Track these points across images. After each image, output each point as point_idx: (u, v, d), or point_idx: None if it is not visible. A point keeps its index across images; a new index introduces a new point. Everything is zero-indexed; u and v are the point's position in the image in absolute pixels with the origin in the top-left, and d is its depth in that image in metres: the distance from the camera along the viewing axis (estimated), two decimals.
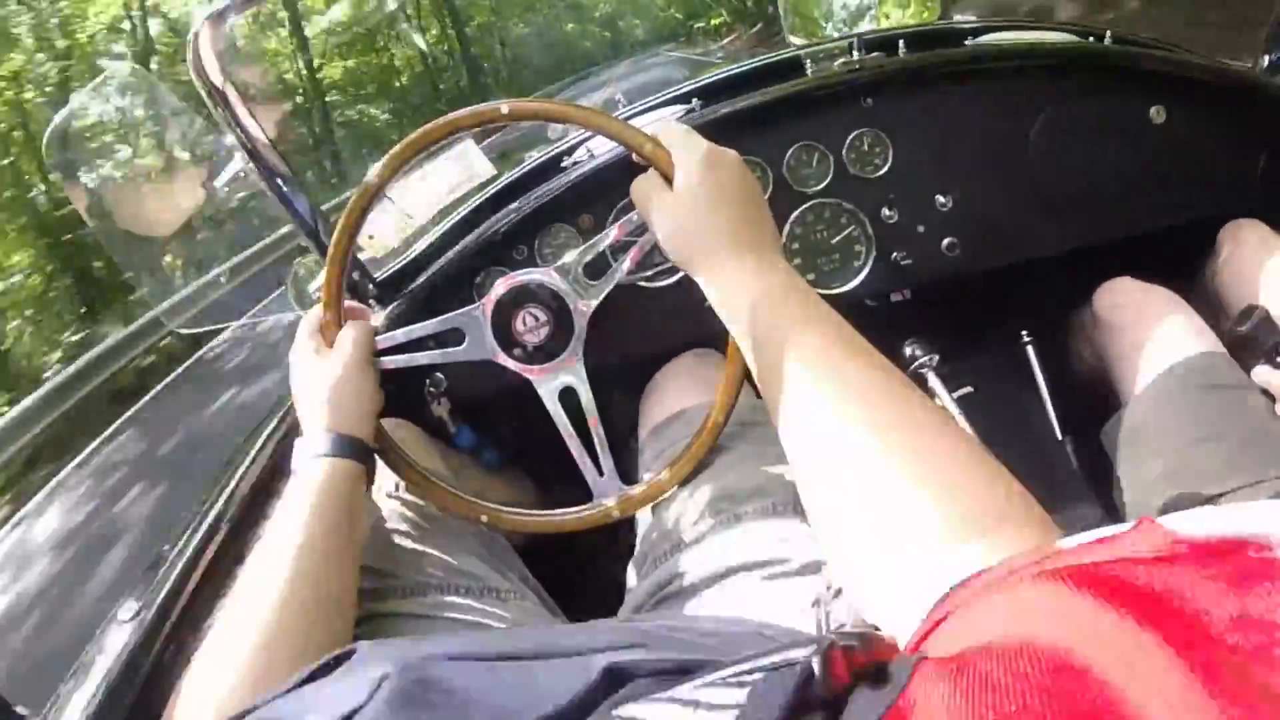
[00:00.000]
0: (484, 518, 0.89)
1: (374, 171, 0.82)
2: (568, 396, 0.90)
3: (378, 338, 0.88)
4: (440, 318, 0.90)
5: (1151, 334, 1.01)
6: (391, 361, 0.88)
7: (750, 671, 0.37)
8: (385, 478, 0.91)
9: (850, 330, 0.62)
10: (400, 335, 0.89)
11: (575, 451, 0.90)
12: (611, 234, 0.85)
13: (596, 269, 0.87)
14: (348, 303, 0.88)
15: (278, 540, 0.73)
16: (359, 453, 0.80)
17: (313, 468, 0.77)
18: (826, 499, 0.55)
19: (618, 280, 0.86)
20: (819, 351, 0.60)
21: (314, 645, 0.67)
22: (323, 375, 0.82)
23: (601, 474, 0.90)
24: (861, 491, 0.51)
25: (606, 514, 0.89)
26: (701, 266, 0.71)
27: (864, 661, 0.36)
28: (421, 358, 0.89)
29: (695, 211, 0.71)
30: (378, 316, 1.04)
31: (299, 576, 0.70)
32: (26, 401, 6.36)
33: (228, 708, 0.61)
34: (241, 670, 0.64)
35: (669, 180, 0.74)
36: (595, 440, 0.89)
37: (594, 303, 0.87)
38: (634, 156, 0.77)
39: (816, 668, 0.34)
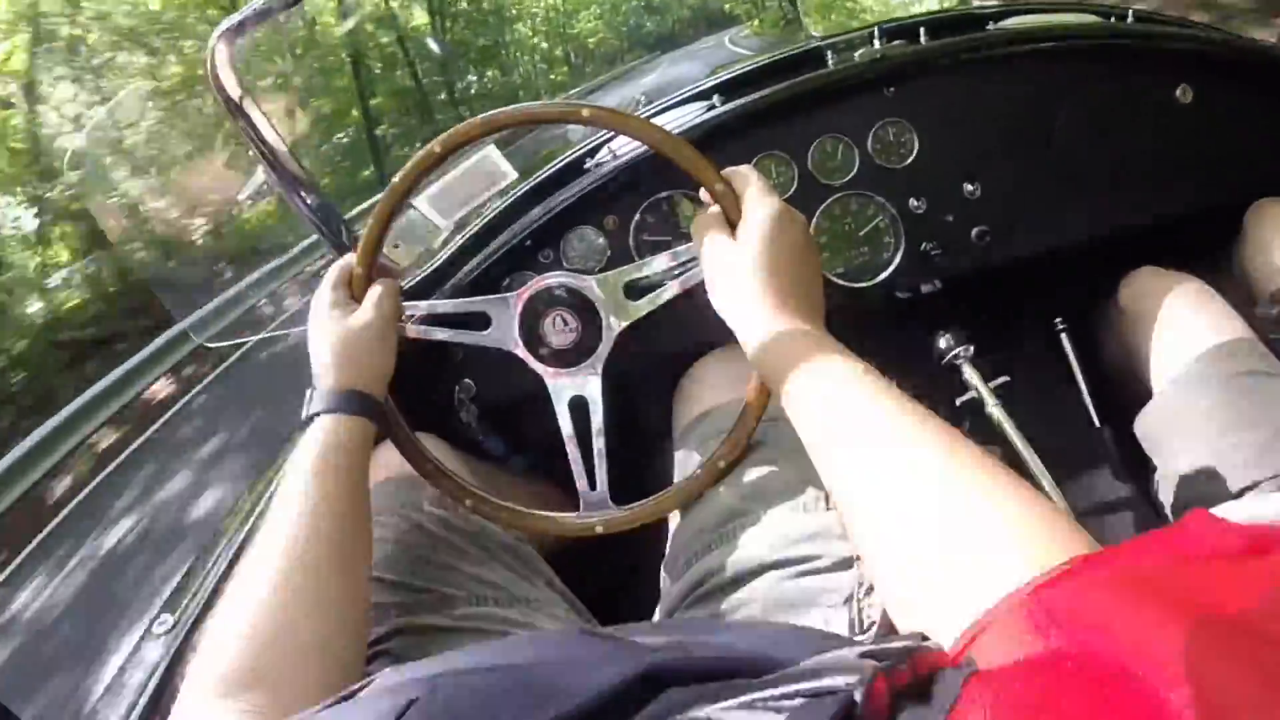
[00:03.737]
0: (468, 502, 0.89)
1: (439, 140, 0.82)
2: (580, 406, 0.89)
3: (404, 303, 0.88)
4: (470, 298, 0.90)
5: (1177, 323, 1.00)
6: (414, 330, 0.88)
7: (791, 695, 0.36)
8: (411, 494, 0.91)
9: (888, 382, 0.63)
10: (426, 306, 0.89)
11: (573, 460, 0.89)
12: (661, 261, 0.85)
13: (637, 289, 0.87)
14: (380, 260, 0.88)
15: (293, 496, 0.72)
16: (372, 411, 0.80)
17: (328, 423, 0.77)
18: (875, 530, 0.57)
19: (656, 306, 0.86)
20: (862, 403, 0.61)
21: (326, 601, 0.67)
22: (347, 327, 0.81)
23: (594, 488, 0.90)
24: (910, 523, 0.53)
25: (588, 528, 0.89)
26: (744, 319, 0.71)
27: (909, 680, 0.36)
28: (444, 333, 0.89)
29: (752, 265, 0.71)
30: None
31: (314, 531, 0.69)
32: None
33: (242, 668, 0.61)
34: (257, 625, 0.64)
35: (732, 225, 0.73)
36: (595, 453, 0.89)
37: (626, 323, 0.87)
38: (702, 192, 0.77)
39: (859, 699, 0.33)
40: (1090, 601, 0.32)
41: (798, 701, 0.35)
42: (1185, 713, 0.25)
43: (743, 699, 0.37)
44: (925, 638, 0.41)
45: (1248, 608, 0.27)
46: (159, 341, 7.29)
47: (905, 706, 0.34)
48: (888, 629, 0.68)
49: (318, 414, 0.78)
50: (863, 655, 0.37)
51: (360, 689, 0.51)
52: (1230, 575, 0.30)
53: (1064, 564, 0.39)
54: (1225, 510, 0.34)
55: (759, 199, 0.73)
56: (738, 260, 0.72)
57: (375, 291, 0.84)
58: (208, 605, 0.84)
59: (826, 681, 0.35)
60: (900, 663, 0.36)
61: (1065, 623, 0.32)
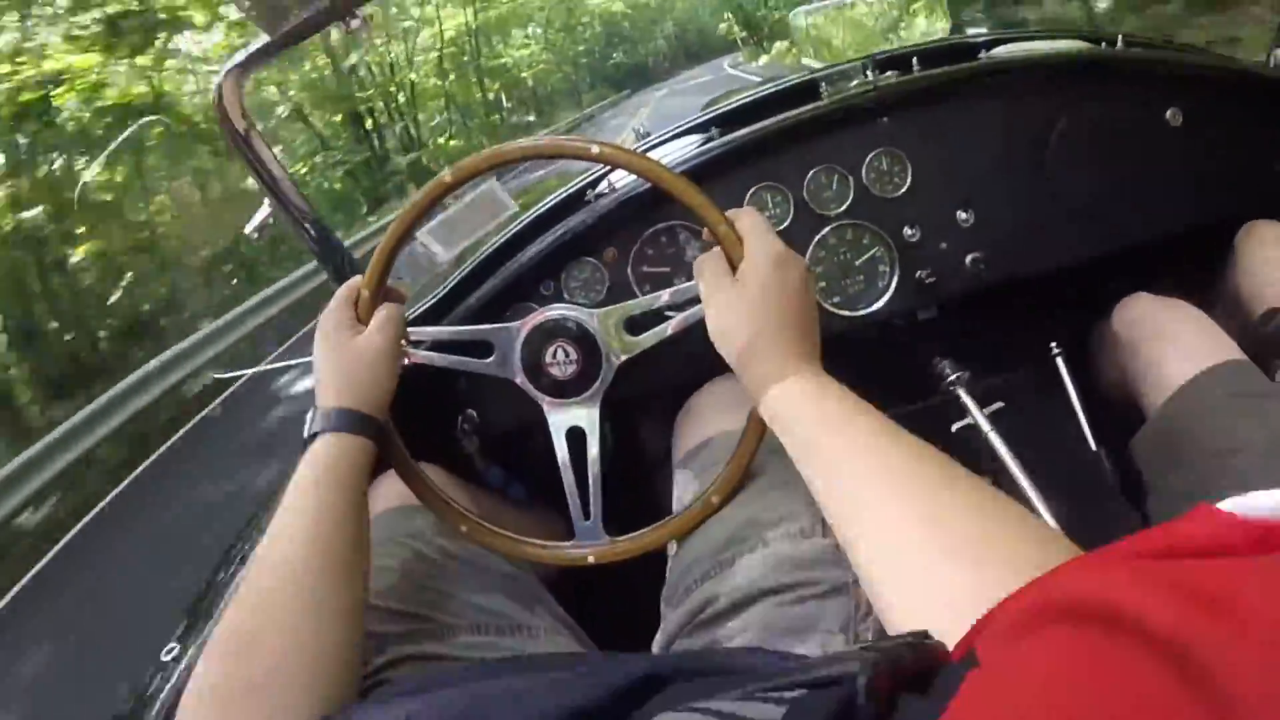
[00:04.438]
0: (464, 528, 0.89)
1: (448, 170, 0.83)
2: (577, 436, 0.90)
3: (409, 329, 0.89)
4: (474, 326, 0.91)
5: (1171, 348, 1.01)
6: (418, 354, 0.89)
7: (791, 686, 0.37)
8: (411, 523, 0.91)
9: (881, 416, 0.65)
10: (431, 332, 0.90)
11: (568, 489, 0.90)
12: (663, 298, 0.87)
13: (638, 324, 0.88)
14: (386, 285, 0.89)
15: (292, 511, 0.73)
16: (373, 431, 0.80)
17: (328, 442, 0.78)
18: (875, 557, 0.58)
19: (656, 343, 0.87)
20: (857, 437, 0.64)
21: (322, 613, 0.67)
22: (354, 348, 0.82)
23: (587, 518, 0.91)
24: (908, 548, 0.55)
25: (580, 558, 0.90)
26: (746, 361, 0.73)
27: (911, 671, 0.36)
28: (446, 360, 0.90)
29: (753, 307, 0.73)
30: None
31: (311, 545, 0.70)
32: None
33: (236, 678, 0.62)
34: (252, 635, 0.65)
35: (734, 265, 0.76)
36: (590, 483, 0.90)
37: (625, 358, 0.89)
38: (705, 232, 0.79)
39: (861, 688, 0.34)
40: (1090, 595, 0.32)
41: (798, 693, 0.36)
42: (1186, 707, 0.25)
43: (744, 690, 0.38)
44: (927, 635, 0.42)
45: (1254, 601, 0.27)
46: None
47: (905, 699, 0.35)
48: None
49: (319, 433, 0.79)
50: (864, 649, 0.37)
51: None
52: (1237, 569, 0.30)
53: (1064, 563, 0.40)
54: (1234, 503, 0.34)
55: (761, 241, 0.75)
56: (738, 302, 0.74)
57: (381, 314, 0.85)
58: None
59: (827, 672, 0.36)
60: (902, 657, 0.37)
61: (1065, 616, 0.32)
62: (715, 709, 0.38)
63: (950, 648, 0.41)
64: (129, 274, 9.95)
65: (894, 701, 0.34)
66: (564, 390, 0.89)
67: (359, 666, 0.73)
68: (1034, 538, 0.52)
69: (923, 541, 0.55)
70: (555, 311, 0.89)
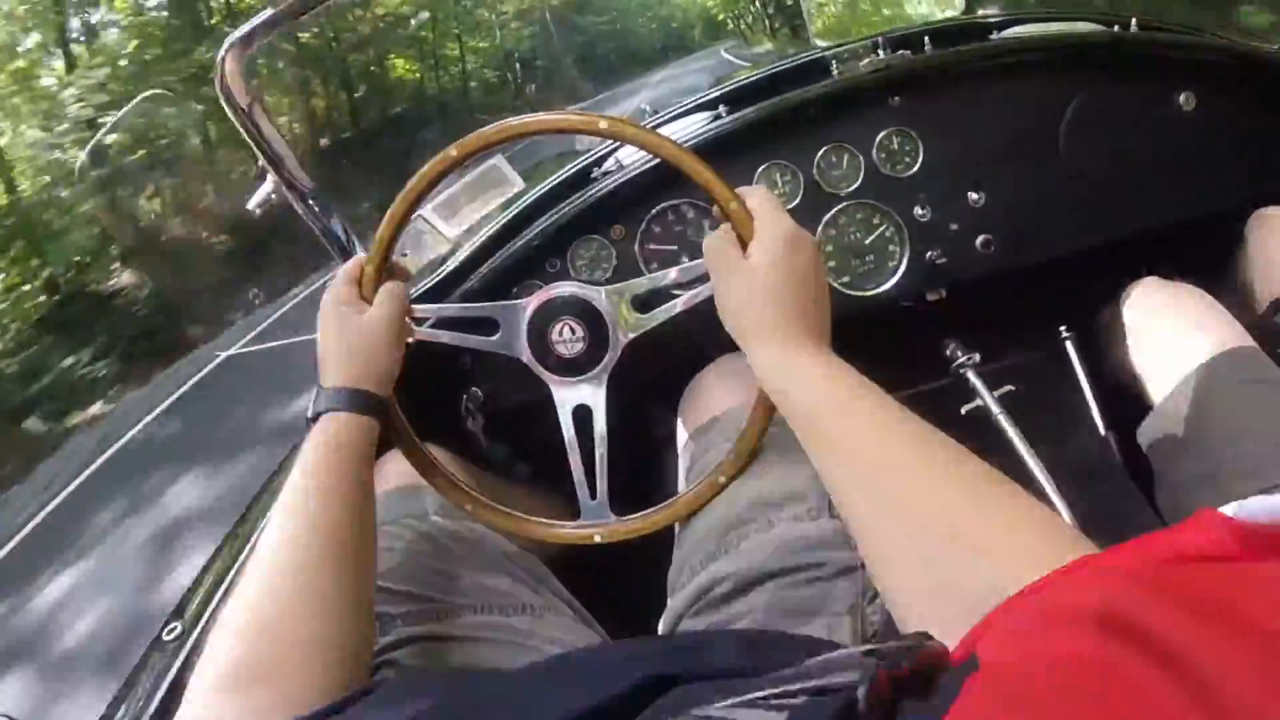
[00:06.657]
0: (468, 506, 0.89)
1: (456, 145, 0.82)
2: (584, 414, 0.90)
3: (413, 306, 0.88)
4: (480, 304, 0.90)
5: (1180, 331, 1.00)
6: (422, 332, 0.89)
7: (794, 693, 0.37)
8: (416, 504, 0.91)
9: (890, 399, 0.65)
10: (436, 309, 0.90)
11: (574, 468, 0.90)
12: (670, 276, 0.86)
13: (646, 302, 0.88)
14: (391, 262, 0.88)
15: (296, 493, 0.72)
16: (377, 410, 0.80)
17: (333, 421, 0.77)
18: (881, 541, 0.58)
19: (664, 321, 0.87)
20: (865, 421, 0.63)
21: (327, 597, 0.67)
22: (358, 326, 0.82)
23: (594, 498, 0.90)
24: (914, 534, 0.55)
25: (586, 537, 0.90)
26: (754, 340, 0.72)
27: (911, 677, 0.36)
28: (451, 337, 0.90)
29: (763, 287, 0.72)
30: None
31: (315, 527, 0.70)
32: None
33: (243, 662, 0.62)
34: (258, 618, 0.65)
35: (744, 244, 0.74)
36: (596, 462, 0.89)
37: (633, 336, 0.88)
38: (715, 210, 0.78)
39: (861, 696, 0.33)
40: (1092, 600, 0.32)
41: (801, 699, 0.36)
42: (1186, 712, 0.25)
43: (747, 696, 0.37)
44: (929, 636, 0.42)
45: (1254, 606, 0.27)
46: None
47: (907, 703, 0.34)
48: (891, 635, 0.68)
49: (323, 412, 0.78)
50: (866, 654, 0.37)
51: (364, 693, 0.51)
52: (1238, 574, 0.30)
53: (1067, 564, 0.40)
54: (1235, 508, 0.33)
55: (772, 220, 0.73)
56: (748, 281, 0.73)
57: (385, 291, 0.84)
58: (216, 612, 0.85)
59: (829, 679, 0.36)
60: (903, 660, 0.36)
61: (1067, 620, 0.32)
62: (714, 715, 0.37)
63: (954, 643, 0.41)
64: None
65: (895, 706, 0.34)
66: (570, 368, 0.88)
67: (370, 647, 0.72)
68: (1043, 530, 0.51)
69: (929, 530, 0.54)
70: (562, 289, 0.88)
